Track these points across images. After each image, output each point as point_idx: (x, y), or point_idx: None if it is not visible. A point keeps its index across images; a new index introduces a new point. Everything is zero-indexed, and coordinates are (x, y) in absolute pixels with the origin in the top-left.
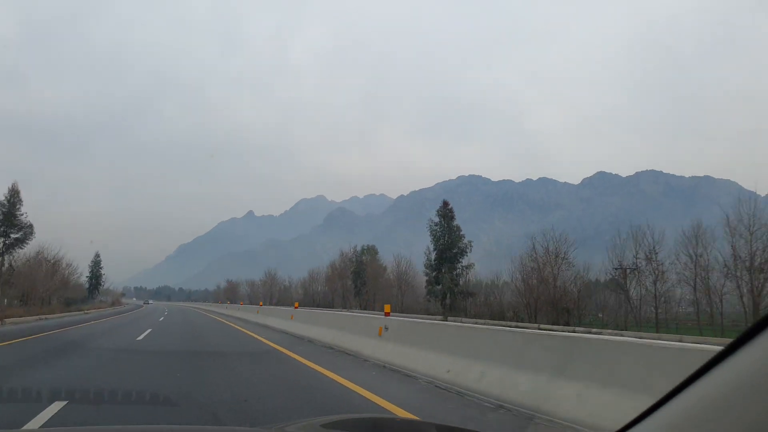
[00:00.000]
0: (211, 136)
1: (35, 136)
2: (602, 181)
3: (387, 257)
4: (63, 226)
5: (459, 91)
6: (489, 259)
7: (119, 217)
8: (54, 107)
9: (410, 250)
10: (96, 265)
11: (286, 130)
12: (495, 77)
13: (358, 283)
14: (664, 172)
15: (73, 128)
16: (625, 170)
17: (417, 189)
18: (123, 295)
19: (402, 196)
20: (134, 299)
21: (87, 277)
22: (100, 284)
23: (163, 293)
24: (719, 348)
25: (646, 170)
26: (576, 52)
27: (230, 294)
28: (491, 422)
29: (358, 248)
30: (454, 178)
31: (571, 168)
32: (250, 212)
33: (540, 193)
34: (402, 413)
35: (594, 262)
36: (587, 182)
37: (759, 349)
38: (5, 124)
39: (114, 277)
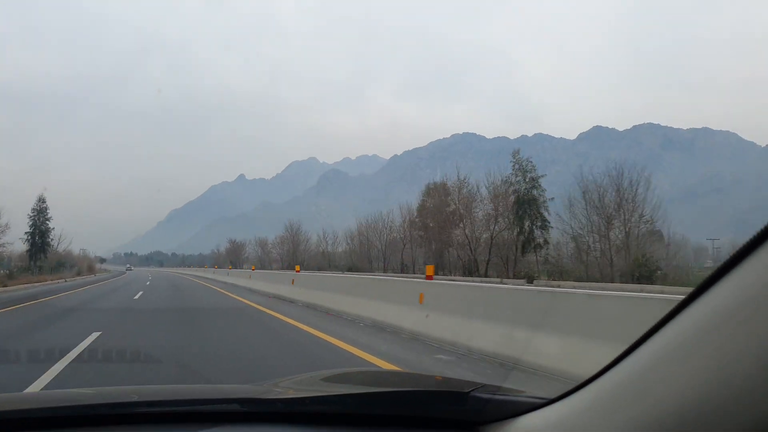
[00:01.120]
0: (199, 99)
1: (18, 103)
2: (599, 136)
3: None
4: (48, 196)
5: (449, 48)
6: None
7: (107, 184)
8: (35, 74)
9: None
10: (40, 214)
11: (275, 90)
12: (485, 33)
13: (533, 225)
14: (662, 125)
15: (56, 95)
16: (622, 124)
17: (410, 148)
18: (103, 260)
19: (396, 156)
20: (128, 266)
21: (26, 234)
22: (48, 245)
23: (154, 259)
24: (681, 297)
25: (644, 123)
26: (566, 3)
27: (233, 257)
28: None
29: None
30: (448, 136)
31: (567, 123)
32: (242, 176)
33: (536, 149)
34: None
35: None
36: (583, 137)
37: (719, 295)
38: None
39: (104, 245)
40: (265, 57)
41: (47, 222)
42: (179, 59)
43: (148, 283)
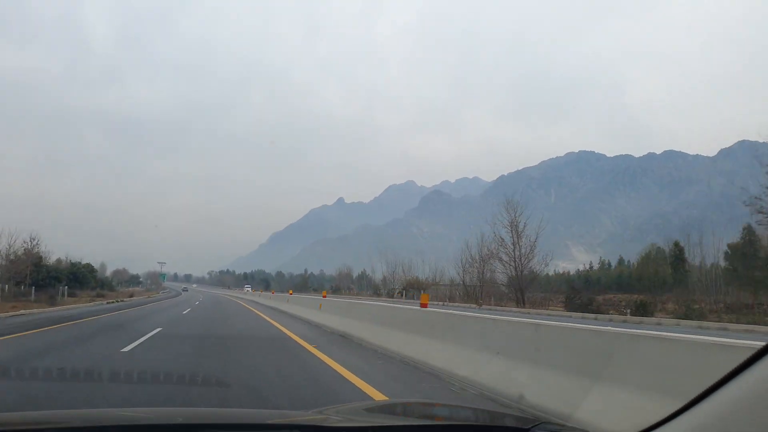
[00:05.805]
0: (297, 125)
1: (133, 132)
2: (747, 151)
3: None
4: (156, 219)
5: (552, 67)
6: (614, 241)
7: (211, 207)
8: (149, 104)
9: None
10: None
11: (371, 115)
12: (591, 50)
13: None
14: None
15: (167, 122)
16: None
17: (517, 169)
18: (162, 277)
19: (502, 176)
20: (184, 288)
21: None
22: None
23: (256, 278)
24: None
25: None
26: (683, 14)
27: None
28: None
29: None
30: (561, 155)
31: (701, 139)
32: (341, 199)
33: (667, 167)
34: None
35: None
36: (726, 153)
37: None
38: (108, 122)
39: (207, 266)
40: (362, 82)
41: None
42: (279, 86)
43: None
